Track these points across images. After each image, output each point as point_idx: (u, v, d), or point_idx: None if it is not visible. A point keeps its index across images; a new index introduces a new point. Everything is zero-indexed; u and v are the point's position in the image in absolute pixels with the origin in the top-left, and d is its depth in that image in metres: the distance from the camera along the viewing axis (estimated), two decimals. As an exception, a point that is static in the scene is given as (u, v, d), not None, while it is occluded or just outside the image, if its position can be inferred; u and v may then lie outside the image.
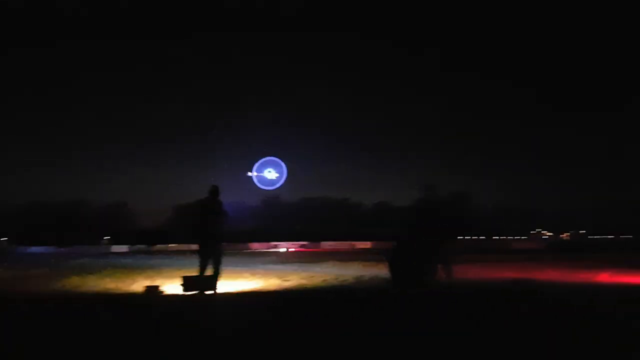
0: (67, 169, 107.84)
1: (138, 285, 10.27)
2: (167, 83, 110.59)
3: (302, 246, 53.97)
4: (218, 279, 8.83)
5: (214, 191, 9.09)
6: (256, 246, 53.21)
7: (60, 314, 6.83)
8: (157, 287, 9.02)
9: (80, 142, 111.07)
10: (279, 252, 41.38)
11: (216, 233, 8.82)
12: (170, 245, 59.34)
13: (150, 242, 60.93)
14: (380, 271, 11.11)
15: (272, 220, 76.42)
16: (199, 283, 8.64)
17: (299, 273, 13.58)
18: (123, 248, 58.03)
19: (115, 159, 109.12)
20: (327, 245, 55.58)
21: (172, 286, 9.41)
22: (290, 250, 46.45)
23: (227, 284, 9.80)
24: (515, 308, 6.67)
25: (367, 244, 52.33)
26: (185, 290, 8.56)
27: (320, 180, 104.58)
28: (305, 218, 76.37)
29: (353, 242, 55.67)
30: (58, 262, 22.43)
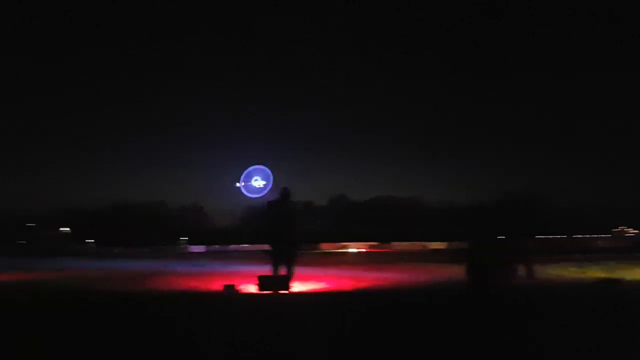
0: (147, 171, 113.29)
1: (216, 284, 10.60)
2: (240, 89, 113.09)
3: (372, 247, 53.67)
4: (292, 279, 8.96)
5: (285, 193, 9.24)
6: (325, 247, 53.50)
7: (148, 311, 7.16)
8: (234, 285, 9.27)
9: (158, 145, 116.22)
10: (349, 252, 41.42)
11: (289, 235, 8.95)
12: (243, 245, 61.02)
13: (225, 242, 62.94)
14: (456, 272, 10.81)
15: (340, 221, 76.57)
16: (274, 283, 8.81)
17: (372, 274, 13.50)
18: (199, 248, 60.31)
19: (190, 161, 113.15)
20: (398, 245, 54.93)
21: (248, 285, 9.63)
22: (360, 251, 46.36)
23: (300, 285, 9.90)
24: (606, 309, 6.28)
25: (440, 245, 51.18)
26: (260, 289, 8.74)
27: (388, 180, 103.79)
28: (374, 218, 75.85)
29: (425, 243, 54.65)
30: (139, 263, 23.62)
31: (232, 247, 60.11)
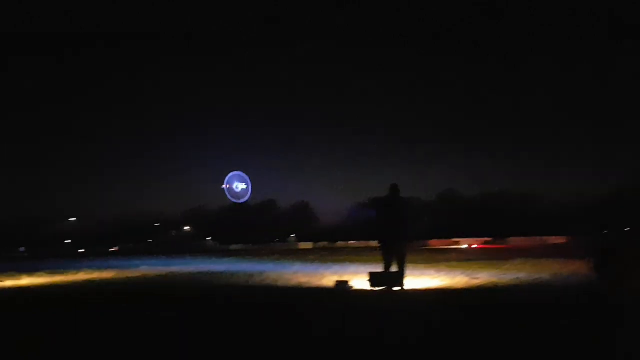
0: (259, 172, 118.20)
1: (327, 280, 10.73)
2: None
3: (486, 242, 51.51)
4: (404, 276, 8.79)
5: (395, 189, 9.08)
6: (435, 243, 52.25)
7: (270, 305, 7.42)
8: (346, 282, 9.31)
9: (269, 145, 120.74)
10: (461, 249, 40.09)
11: (399, 231, 8.80)
12: (350, 242, 61.52)
13: (332, 239, 63.91)
14: (580, 270, 9.99)
15: (450, 217, 74.25)
16: (386, 279, 8.70)
17: (488, 270, 12.92)
18: (308, 245, 61.83)
19: (300, 159, 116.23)
20: (514, 241, 52.24)
21: (359, 281, 9.62)
22: (473, 247, 44.68)
23: (412, 282, 9.70)
24: None
25: (560, 239, 47.85)
26: (372, 285, 8.68)
27: (500, 174, 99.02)
28: (485, 213, 72.58)
29: (545, 237, 51.38)
30: (256, 258, 24.68)
31: (340, 243, 60.85)
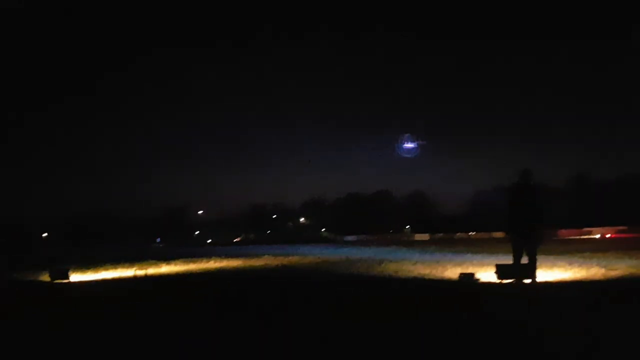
0: (370, 163, 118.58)
1: (450, 272, 10.49)
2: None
3: (620, 231, 47.10)
4: (536, 267, 8.33)
5: (527, 175, 8.61)
6: (565, 233, 48.74)
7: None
8: (472, 274, 9.03)
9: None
10: (593, 238, 37.09)
11: (532, 220, 8.33)
12: (470, 233, 59.38)
13: (451, 230, 62.06)
14: None
15: (583, 203, 68.66)
16: (515, 271, 8.29)
17: (625, 261, 11.84)
18: (424, 236, 60.73)
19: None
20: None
21: (485, 274, 9.28)
22: (607, 236, 41.12)
23: (543, 274, 9.16)
24: None
25: None
26: (499, 278, 8.32)
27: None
28: (623, 199, 66.04)
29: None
30: (373, 249, 24.83)
31: (459, 234, 59.03)
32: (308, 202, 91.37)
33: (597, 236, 42.17)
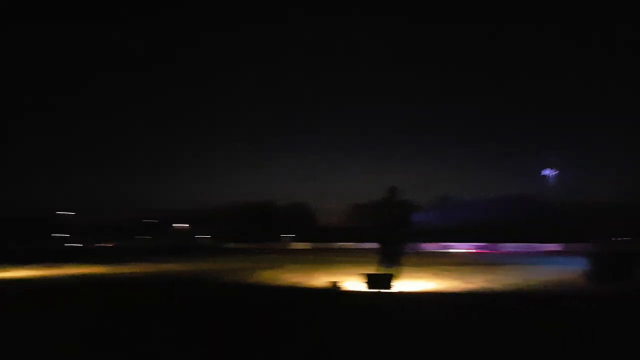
0: (259, 170, 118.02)
1: (320, 280, 10.65)
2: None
3: (479, 248, 51.53)
4: (398, 278, 8.75)
5: (394, 192, 9.04)
6: (430, 247, 52.18)
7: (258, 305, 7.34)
8: (339, 282, 9.23)
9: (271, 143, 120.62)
10: (455, 253, 40.08)
11: (397, 233, 8.75)
12: (348, 243, 61.36)
13: (329, 240, 63.69)
14: (576, 277, 9.97)
15: (448, 220, 74.17)
16: (381, 281, 8.64)
17: (482, 275, 12.87)
18: (302, 245, 61.61)
19: (299, 159, 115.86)
20: (507, 247, 52.27)
21: (352, 283, 9.54)
22: (468, 251, 44.71)
23: (407, 284, 9.64)
24: None
25: (554, 247, 47.93)
26: (369, 287, 8.62)
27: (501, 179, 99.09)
28: (484, 217, 72.47)
29: (538, 244, 51.39)
30: (251, 258, 24.63)
31: (338, 244, 60.70)
32: (194, 208, 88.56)
33: (459, 251, 45.70)
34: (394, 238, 8.96)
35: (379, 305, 7.12)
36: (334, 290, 8.75)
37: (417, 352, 4.31)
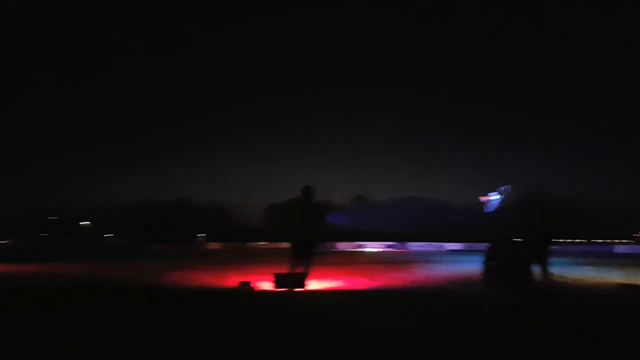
0: (172, 169, 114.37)
1: (231, 280, 10.70)
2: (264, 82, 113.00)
3: (389, 247, 53.51)
4: (307, 277, 9.02)
5: (307, 191, 9.27)
6: (342, 246, 53.43)
7: (165, 306, 7.28)
8: (250, 282, 9.36)
9: (178, 142, 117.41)
10: (365, 252, 41.35)
11: (310, 233, 9.01)
12: (262, 243, 61.26)
13: (245, 239, 63.30)
14: (473, 273, 10.79)
15: (361, 220, 76.29)
16: (290, 280, 8.88)
17: (387, 273, 13.50)
18: (216, 245, 60.72)
19: (214, 157, 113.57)
20: (414, 246, 54.72)
21: (263, 283, 9.71)
22: (377, 250, 46.26)
23: (316, 283, 9.95)
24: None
25: (457, 246, 50.95)
26: (277, 286, 8.81)
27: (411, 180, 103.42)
28: (396, 218, 75.42)
29: (442, 244, 54.39)
30: (159, 258, 23.98)
31: (251, 244, 60.45)
32: (102, 207, 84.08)
33: (369, 250, 47.19)
34: (306, 238, 9.20)
35: (285, 304, 7.34)
36: (243, 290, 8.87)
37: (313, 350, 4.57)
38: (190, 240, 71.47)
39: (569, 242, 43.56)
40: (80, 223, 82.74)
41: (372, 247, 51.55)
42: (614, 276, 11.90)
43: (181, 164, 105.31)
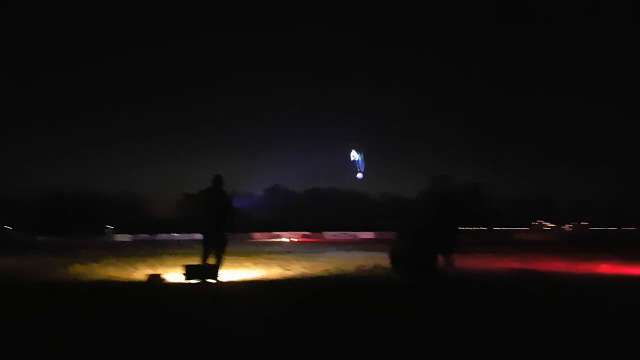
0: (83, 159, 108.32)
1: (139, 273, 10.34)
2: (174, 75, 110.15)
3: (304, 236, 54.11)
4: (220, 268, 8.90)
5: (218, 181, 9.10)
6: (258, 236, 53.33)
7: (62, 301, 6.88)
8: (159, 275, 9.08)
9: (94, 132, 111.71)
10: (281, 242, 41.52)
11: (221, 224, 8.86)
12: (173, 234, 59.62)
13: (155, 231, 61.29)
14: (381, 261, 11.15)
15: (277, 211, 76.52)
16: (201, 272, 8.71)
17: (301, 262, 13.62)
18: (126, 237, 58.41)
19: (128, 149, 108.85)
20: (329, 235, 55.73)
21: (173, 275, 9.46)
22: (292, 240, 46.60)
23: (229, 273, 9.85)
24: (522, 299, 6.69)
25: (369, 235, 52.56)
26: (187, 278, 8.61)
27: (328, 172, 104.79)
28: (311, 209, 76.42)
29: (356, 233, 55.85)
30: (63, 251, 22.62)
31: (161, 236, 58.65)
32: (4, 197, 77.71)
33: (285, 240, 47.43)
34: (218, 228, 9.05)
35: (194, 297, 7.20)
36: (151, 283, 8.58)
37: (224, 340, 4.52)
38: (98, 231, 68.15)
39: (472, 229, 46.22)
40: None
41: (288, 237, 51.87)
42: (511, 262, 12.78)
43: (92, 154, 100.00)
